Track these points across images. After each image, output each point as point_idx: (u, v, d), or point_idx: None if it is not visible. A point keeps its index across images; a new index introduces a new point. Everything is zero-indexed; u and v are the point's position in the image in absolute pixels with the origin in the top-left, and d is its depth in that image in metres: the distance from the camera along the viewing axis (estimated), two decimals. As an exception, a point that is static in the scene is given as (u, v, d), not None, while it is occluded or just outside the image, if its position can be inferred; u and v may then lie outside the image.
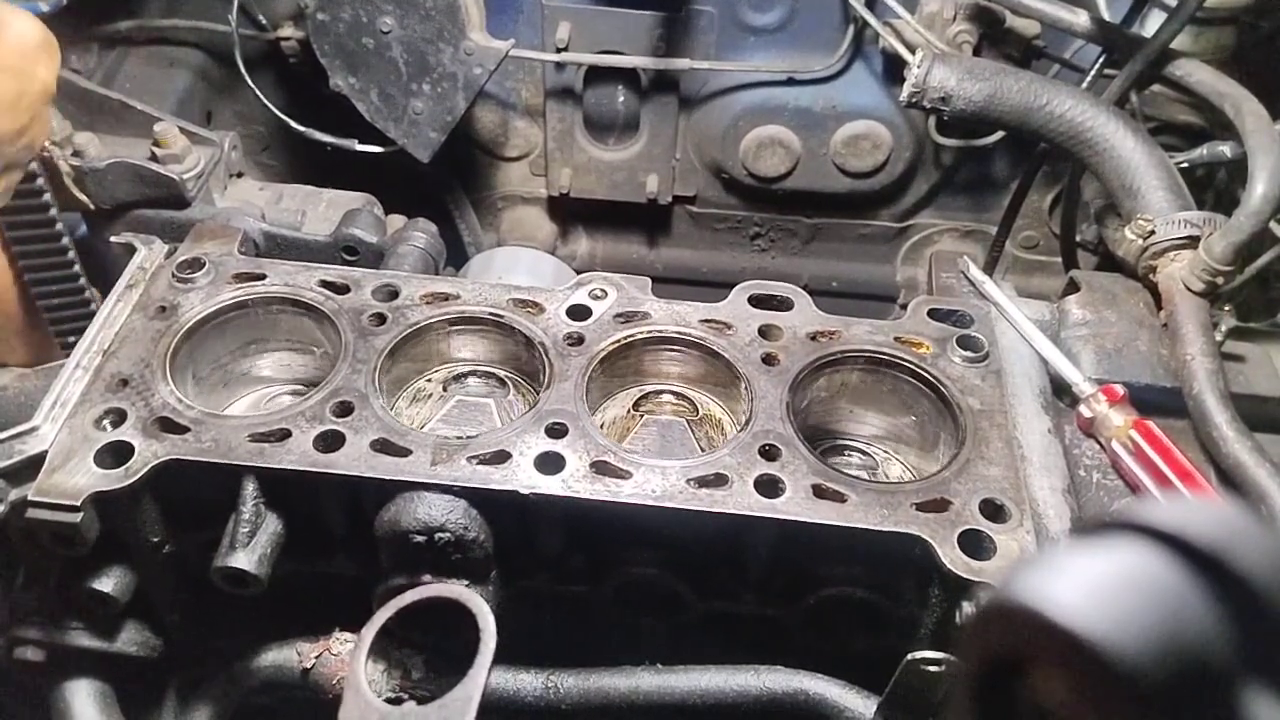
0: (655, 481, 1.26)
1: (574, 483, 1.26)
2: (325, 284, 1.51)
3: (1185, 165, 1.85)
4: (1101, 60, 2.05)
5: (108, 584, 1.33)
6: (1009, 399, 1.43)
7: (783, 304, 1.52)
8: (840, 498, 1.25)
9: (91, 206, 1.87)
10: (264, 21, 2.49)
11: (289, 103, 2.50)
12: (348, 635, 1.40)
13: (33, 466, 1.25)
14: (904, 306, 1.56)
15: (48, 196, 1.67)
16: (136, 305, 1.46)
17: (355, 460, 1.27)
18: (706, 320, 1.48)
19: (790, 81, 2.54)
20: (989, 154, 2.62)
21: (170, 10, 2.51)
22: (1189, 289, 1.59)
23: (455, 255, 2.24)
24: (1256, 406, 1.61)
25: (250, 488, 1.27)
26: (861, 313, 1.52)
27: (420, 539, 1.24)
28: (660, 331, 1.47)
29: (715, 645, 1.37)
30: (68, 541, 1.24)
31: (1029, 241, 2.73)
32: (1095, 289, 1.66)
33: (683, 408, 1.52)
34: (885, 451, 1.53)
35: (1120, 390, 1.47)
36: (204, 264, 1.51)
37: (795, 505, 1.24)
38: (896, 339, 1.47)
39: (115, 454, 1.27)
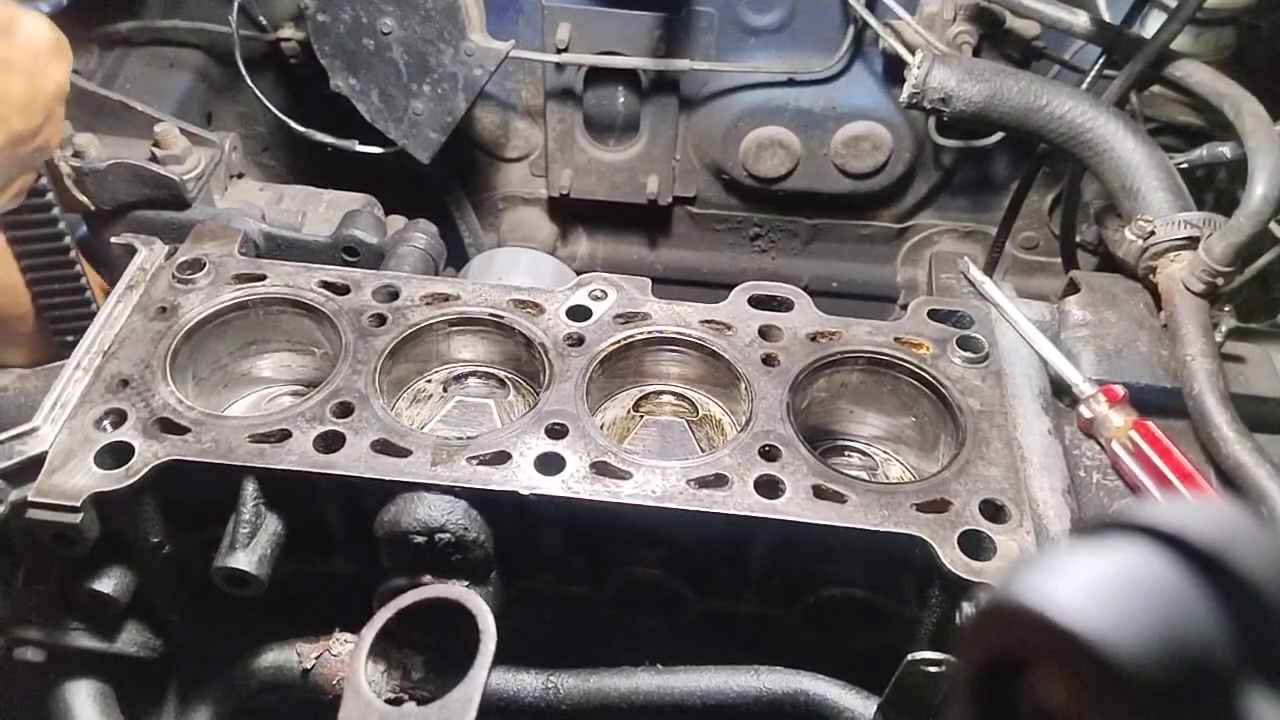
0: (655, 482, 1.26)
1: (574, 483, 1.26)
2: (325, 285, 1.51)
3: (1185, 166, 1.85)
4: (1101, 61, 2.05)
5: (108, 584, 1.33)
6: (1009, 400, 1.43)
7: (783, 305, 1.52)
8: (840, 498, 1.25)
9: (92, 207, 1.87)
10: (264, 22, 2.49)
11: (289, 104, 2.50)
12: (348, 636, 1.40)
13: (33, 467, 1.25)
14: (904, 307, 1.56)
15: (51, 196, 1.67)
16: (137, 306, 1.46)
17: (355, 461, 1.27)
18: (706, 321, 1.48)
19: (790, 82, 2.54)
20: (989, 155, 2.62)
21: (171, 11, 2.51)
22: (1189, 289, 1.59)
23: (455, 256, 2.24)
24: (1257, 407, 1.61)
25: (250, 488, 1.27)
26: (862, 313, 1.52)
27: (420, 540, 1.24)
28: (660, 332, 1.47)
29: (715, 645, 1.37)
30: (68, 542, 1.24)
31: (1029, 242, 2.73)
32: (1095, 290, 1.66)
33: (683, 408, 1.52)
34: (885, 452, 1.53)
35: (1120, 391, 1.47)
36: (204, 265, 1.51)
37: (795, 506, 1.24)
38: (896, 340, 1.47)
39: (115, 455, 1.27)
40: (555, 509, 1.26)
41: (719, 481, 1.27)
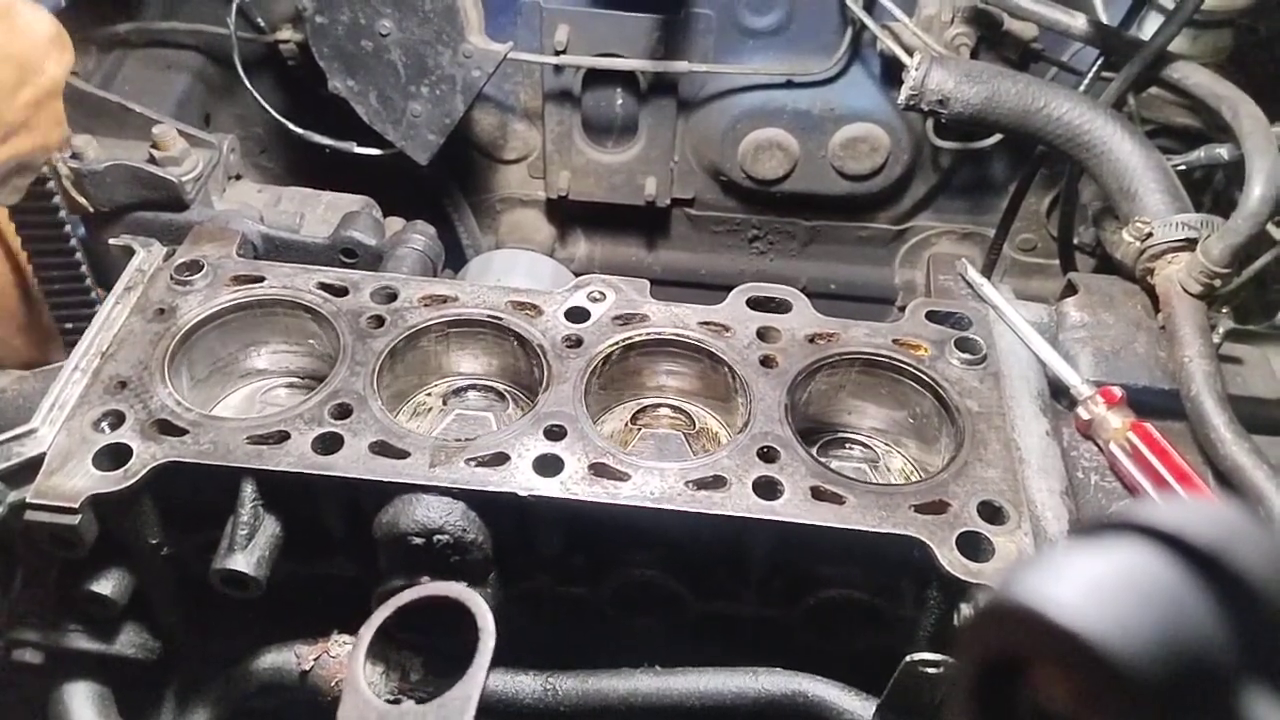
0: (654, 483, 1.26)
1: (572, 485, 1.26)
2: (324, 286, 1.51)
3: (1183, 168, 1.85)
4: (1099, 63, 2.05)
5: (106, 586, 1.33)
6: (1007, 401, 1.43)
7: (781, 306, 1.52)
8: (839, 500, 1.25)
9: (90, 209, 1.86)
10: (262, 24, 2.49)
11: (288, 105, 2.50)
12: (346, 637, 1.40)
13: (31, 468, 1.25)
14: (902, 309, 1.56)
15: (58, 199, 1.68)
16: (135, 307, 1.46)
17: (354, 462, 1.27)
18: (705, 322, 1.48)
19: (788, 84, 2.54)
20: (987, 157, 2.62)
21: (169, 13, 2.51)
22: (1186, 291, 1.59)
23: (454, 257, 2.24)
24: (1254, 408, 1.61)
25: (249, 490, 1.27)
26: (860, 315, 1.53)
27: (419, 541, 1.24)
28: (658, 334, 1.47)
29: (714, 646, 1.37)
30: (66, 544, 1.24)
31: (1027, 244, 2.73)
32: (1093, 291, 1.66)
33: (680, 421, 1.52)
34: (886, 444, 1.53)
35: (1118, 392, 1.47)
36: (202, 266, 1.51)
37: (793, 507, 1.24)
38: (895, 341, 1.47)
39: (113, 456, 1.27)
40: (553, 510, 1.26)
41: (717, 483, 1.27)
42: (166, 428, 1.30)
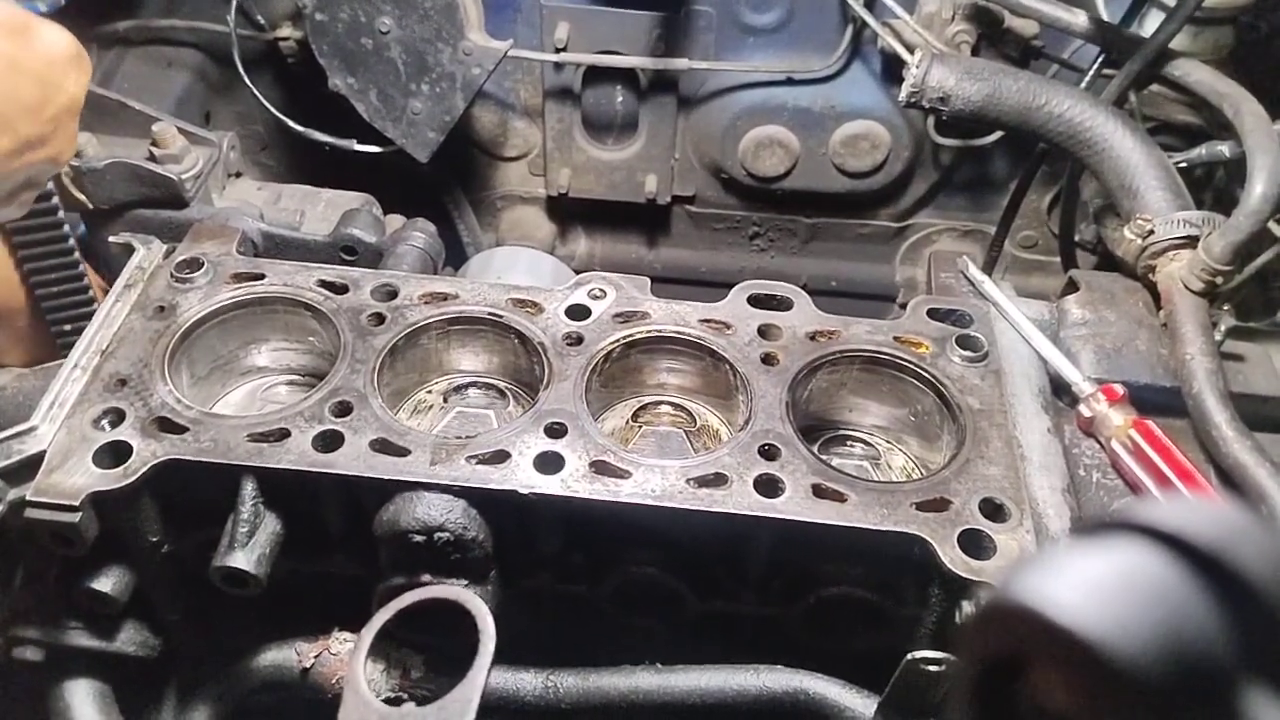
0: (655, 481, 1.26)
1: (573, 482, 1.26)
2: (324, 284, 1.51)
3: (1184, 165, 1.85)
4: (1100, 60, 2.05)
5: (106, 584, 1.33)
6: (1008, 398, 1.43)
7: (782, 304, 1.52)
8: (840, 497, 1.25)
9: (90, 206, 1.86)
10: (262, 22, 2.49)
11: (287, 103, 2.50)
12: (347, 635, 1.40)
13: (31, 466, 1.25)
14: (903, 306, 1.56)
15: (56, 199, 1.68)
16: (135, 305, 1.46)
17: (354, 460, 1.27)
18: (706, 320, 1.48)
19: (789, 81, 2.54)
20: (988, 154, 2.62)
21: (169, 10, 2.51)
22: (1188, 288, 1.59)
23: (454, 255, 2.24)
24: (1256, 406, 1.60)
25: (249, 487, 1.27)
26: (861, 312, 1.52)
27: (419, 539, 1.24)
28: (659, 331, 1.47)
29: (715, 645, 1.37)
30: (66, 541, 1.24)
31: (1028, 241, 2.73)
32: (1094, 288, 1.66)
33: (681, 419, 1.52)
34: (888, 441, 1.53)
35: (1120, 390, 1.47)
36: (202, 264, 1.51)
37: (795, 505, 1.24)
38: (896, 339, 1.47)
39: (114, 454, 1.27)
40: (554, 508, 1.26)
41: (718, 481, 1.27)
42: (167, 425, 1.30)
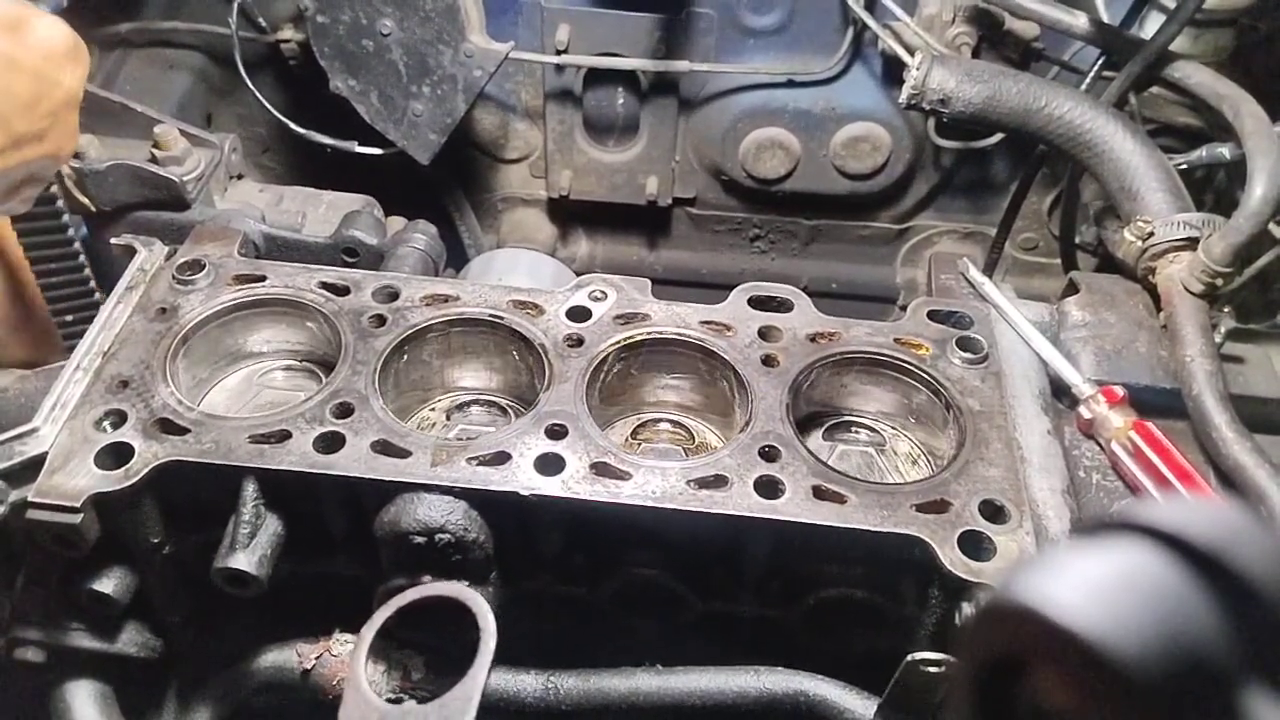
0: (655, 483, 1.26)
1: (574, 484, 1.26)
2: (325, 285, 1.51)
3: (1184, 167, 1.85)
4: (1100, 62, 2.05)
5: (108, 585, 1.33)
6: (1009, 400, 1.43)
7: (782, 305, 1.52)
8: (840, 499, 1.25)
9: (92, 208, 1.87)
10: (264, 24, 2.49)
11: (289, 105, 2.50)
12: (348, 636, 1.40)
13: (33, 468, 1.25)
14: (903, 308, 1.56)
15: (61, 203, 1.68)
16: (137, 307, 1.47)
17: (355, 461, 1.27)
18: (706, 322, 1.48)
19: (790, 84, 2.54)
20: (988, 156, 2.62)
21: (170, 13, 2.51)
22: (1188, 290, 1.59)
23: (455, 257, 2.24)
24: (1256, 408, 1.61)
25: (250, 489, 1.27)
26: (861, 314, 1.53)
27: (420, 540, 1.24)
28: (660, 333, 1.47)
29: (715, 646, 1.37)
30: (68, 543, 1.24)
31: (1028, 243, 2.73)
32: (1094, 290, 1.66)
33: (680, 436, 1.52)
34: (893, 428, 1.53)
35: (1120, 391, 1.47)
36: (204, 266, 1.51)
37: (795, 506, 1.24)
38: (896, 340, 1.47)
39: (115, 455, 1.27)
40: (555, 509, 1.26)
41: (718, 482, 1.27)
42: (168, 427, 1.30)
